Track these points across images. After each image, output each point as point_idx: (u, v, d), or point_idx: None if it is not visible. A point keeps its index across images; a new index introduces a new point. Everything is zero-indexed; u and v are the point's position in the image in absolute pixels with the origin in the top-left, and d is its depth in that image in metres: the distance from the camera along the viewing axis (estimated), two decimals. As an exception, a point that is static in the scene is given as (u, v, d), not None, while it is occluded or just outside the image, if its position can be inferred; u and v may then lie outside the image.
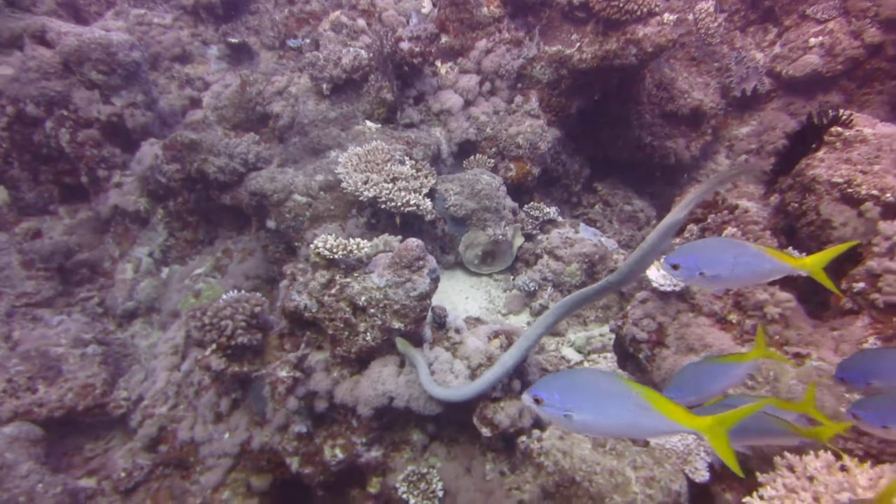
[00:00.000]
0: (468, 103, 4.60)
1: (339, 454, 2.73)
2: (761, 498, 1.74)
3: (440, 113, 4.51)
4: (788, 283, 2.50)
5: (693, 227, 2.97)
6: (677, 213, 1.94)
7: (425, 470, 2.66)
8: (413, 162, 3.93)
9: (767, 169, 3.38)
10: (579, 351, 3.55)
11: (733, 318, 2.53)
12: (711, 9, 5.35)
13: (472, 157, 4.48)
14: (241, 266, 4.26)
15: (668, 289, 2.68)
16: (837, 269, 2.47)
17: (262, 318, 2.95)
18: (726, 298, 2.58)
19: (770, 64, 5.36)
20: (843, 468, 1.68)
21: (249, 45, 5.92)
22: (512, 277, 4.10)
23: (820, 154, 2.79)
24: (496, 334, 2.86)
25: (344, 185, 3.68)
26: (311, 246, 2.78)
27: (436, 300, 2.89)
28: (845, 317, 2.42)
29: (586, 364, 3.43)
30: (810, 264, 1.71)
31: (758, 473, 1.84)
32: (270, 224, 3.90)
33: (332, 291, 2.73)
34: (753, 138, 5.34)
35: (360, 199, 3.66)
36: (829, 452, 1.75)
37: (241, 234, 4.50)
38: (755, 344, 1.80)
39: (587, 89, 4.71)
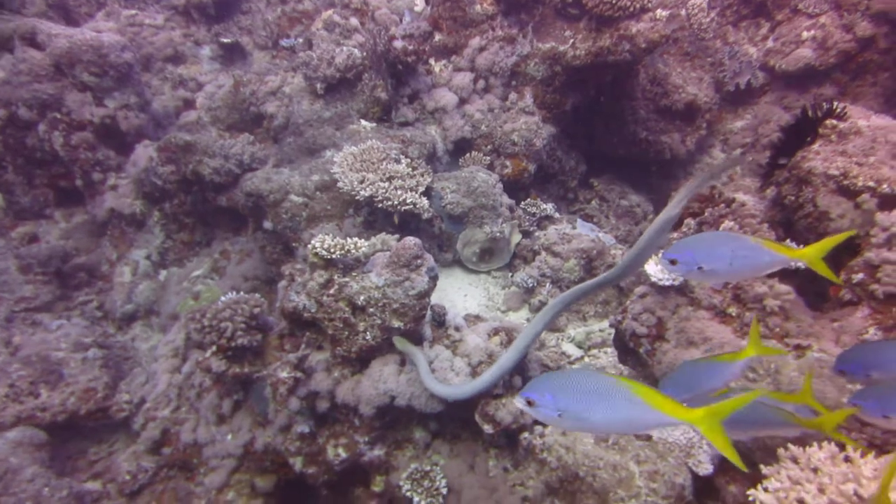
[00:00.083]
0: (463, 101, 4.59)
1: (343, 453, 2.73)
2: (766, 490, 1.75)
3: (435, 111, 4.50)
4: (787, 275, 2.51)
5: (690, 222, 2.96)
6: (673, 207, 1.94)
7: (428, 468, 2.66)
8: (409, 160, 3.92)
9: (750, 160, 3.37)
10: (579, 346, 3.56)
11: (733, 311, 2.54)
12: (704, 4, 5.36)
13: (467, 155, 4.48)
14: (240, 267, 4.25)
15: (667, 283, 2.68)
16: (836, 260, 2.48)
17: (261, 319, 2.95)
18: (725, 292, 2.59)
19: (763, 58, 5.38)
20: (848, 459, 1.69)
21: (242, 45, 5.91)
22: (510, 274, 4.11)
23: (815, 147, 2.80)
24: (496, 331, 2.87)
25: (340, 184, 3.67)
26: (309, 246, 2.77)
27: (435, 298, 2.89)
28: (845, 308, 2.44)
29: (587, 359, 3.44)
30: (809, 254, 1.70)
31: (761, 465, 1.84)
32: (267, 225, 3.89)
33: (331, 291, 2.73)
34: (748, 132, 5.36)
35: (357, 198, 3.66)
36: (832, 443, 1.75)
37: (237, 236, 4.49)
38: (749, 340, 1.80)
39: (581, 86, 4.71)
